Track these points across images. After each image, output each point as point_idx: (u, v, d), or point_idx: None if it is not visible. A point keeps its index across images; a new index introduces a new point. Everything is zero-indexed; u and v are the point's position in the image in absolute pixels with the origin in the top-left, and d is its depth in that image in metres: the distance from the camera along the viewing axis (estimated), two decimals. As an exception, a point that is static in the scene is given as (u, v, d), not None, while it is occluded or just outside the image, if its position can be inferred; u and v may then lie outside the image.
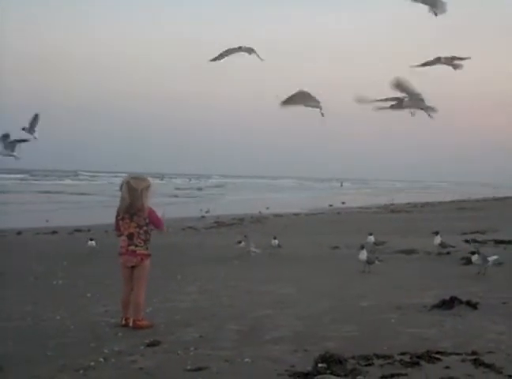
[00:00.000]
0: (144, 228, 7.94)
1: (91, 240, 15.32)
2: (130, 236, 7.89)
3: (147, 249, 7.98)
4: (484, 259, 11.78)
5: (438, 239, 14.66)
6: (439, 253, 14.66)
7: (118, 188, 8.11)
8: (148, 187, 7.99)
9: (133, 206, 7.86)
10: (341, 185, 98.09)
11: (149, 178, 8.24)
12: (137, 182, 7.92)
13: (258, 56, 8.98)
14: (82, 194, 52.60)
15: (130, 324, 7.79)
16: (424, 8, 7.94)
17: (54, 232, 20.99)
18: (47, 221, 25.10)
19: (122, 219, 7.93)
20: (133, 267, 7.93)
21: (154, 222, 8.06)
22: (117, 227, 8.06)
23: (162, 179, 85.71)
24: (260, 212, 33.43)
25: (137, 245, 7.89)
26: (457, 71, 8.54)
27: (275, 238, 15.45)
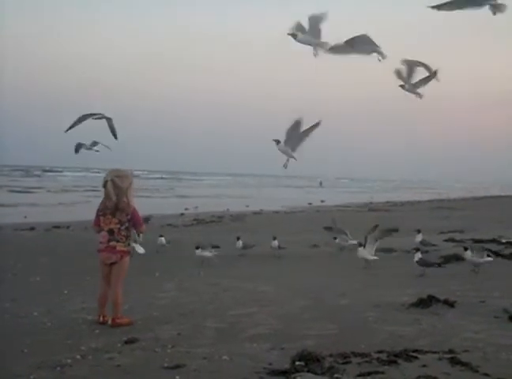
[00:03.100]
0: (126, 224, 7.92)
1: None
2: (111, 232, 7.86)
3: (128, 245, 7.99)
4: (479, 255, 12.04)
5: (419, 237, 14.77)
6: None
7: (101, 185, 8.07)
8: (131, 183, 7.98)
9: (117, 204, 7.84)
10: (321, 185, 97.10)
11: (131, 174, 8.22)
12: (121, 180, 7.88)
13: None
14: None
15: (109, 323, 7.74)
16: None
17: (32, 228, 20.82)
18: (25, 217, 24.94)
19: (104, 214, 7.90)
20: (111, 264, 7.90)
21: (135, 222, 8.03)
22: (96, 223, 8.02)
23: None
24: (261, 210, 33.70)
25: (118, 241, 7.86)
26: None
27: (275, 239, 15.06)
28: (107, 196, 7.92)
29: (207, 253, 13.45)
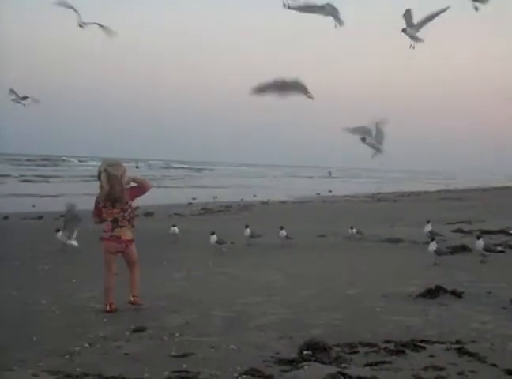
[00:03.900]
0: (129, 210, 8.04)
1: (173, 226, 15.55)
2: (115, 220, 7.92)
3: (132, 227, 8.10)
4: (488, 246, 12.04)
5: (428, 227, 14.75)
6: (426, 242, 14.70)
7: (96, 176, 8.11)
8: (125, 172, 8.01)
9: (113, 193, 7.86)
10: (330, 175, 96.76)
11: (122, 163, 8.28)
12: (115, 169, 7.92)
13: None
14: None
15: (132, 301, 8.03)
16: None
17: (40, 217, 20.88)
18: (33, 206, 24.98)
19: (105, 206, 7.93)
20: (118, 252, 8.01)
21: (140, 192, 8.27)
22: (96, 214, 8.07)
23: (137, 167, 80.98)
24: (268, 200, 33.70)
25: (122, 227, 7.94)
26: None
27: (282, 228, 15.07)
28: (101, 186, 7.97)
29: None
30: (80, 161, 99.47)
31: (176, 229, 15.42)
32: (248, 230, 14.86)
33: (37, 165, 79.65)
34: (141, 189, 8.26)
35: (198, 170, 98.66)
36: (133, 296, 8.09)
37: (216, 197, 33.06)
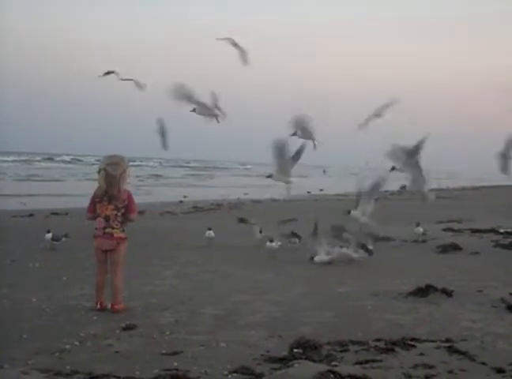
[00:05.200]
0: (122, 211, 7.93)
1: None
2: (107, 218, 7.87)
3: (123, 231, 7.99)
4: None
5: (419, 229, 14.88)
6: (415, 241, 14.77)
7: (96, 172, 8.10)
8: (125, 171, 7.97)
9: (109, 192, 7.84)
10: (324, 173, 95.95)
11: (125, 160, 8.19)
12: (114, 168, 7.88)
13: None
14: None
15: (108, 307, 7.80)
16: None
17: (30, 215, 20.79)
18: (24, 204, 24.87)
19: (100, 201, 7.90)
20: (108, 250, 7.93)
21: (130, 207, 8.04)
22: (90, 210, 8.01)
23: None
24: (260, 198, 33.60)
25: (113, 228, 7.88)
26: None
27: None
28: (98, 184, 7.96)
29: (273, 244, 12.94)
30: (78, 159, 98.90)
31: (212, 233, 14.40)
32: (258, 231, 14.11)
33: (39, 162, 79.15)
34: (132, 209, 8.08)
35: (204, 168, 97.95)
36: (113, 304, 7.82)
37: (226, 196, 33.08)
